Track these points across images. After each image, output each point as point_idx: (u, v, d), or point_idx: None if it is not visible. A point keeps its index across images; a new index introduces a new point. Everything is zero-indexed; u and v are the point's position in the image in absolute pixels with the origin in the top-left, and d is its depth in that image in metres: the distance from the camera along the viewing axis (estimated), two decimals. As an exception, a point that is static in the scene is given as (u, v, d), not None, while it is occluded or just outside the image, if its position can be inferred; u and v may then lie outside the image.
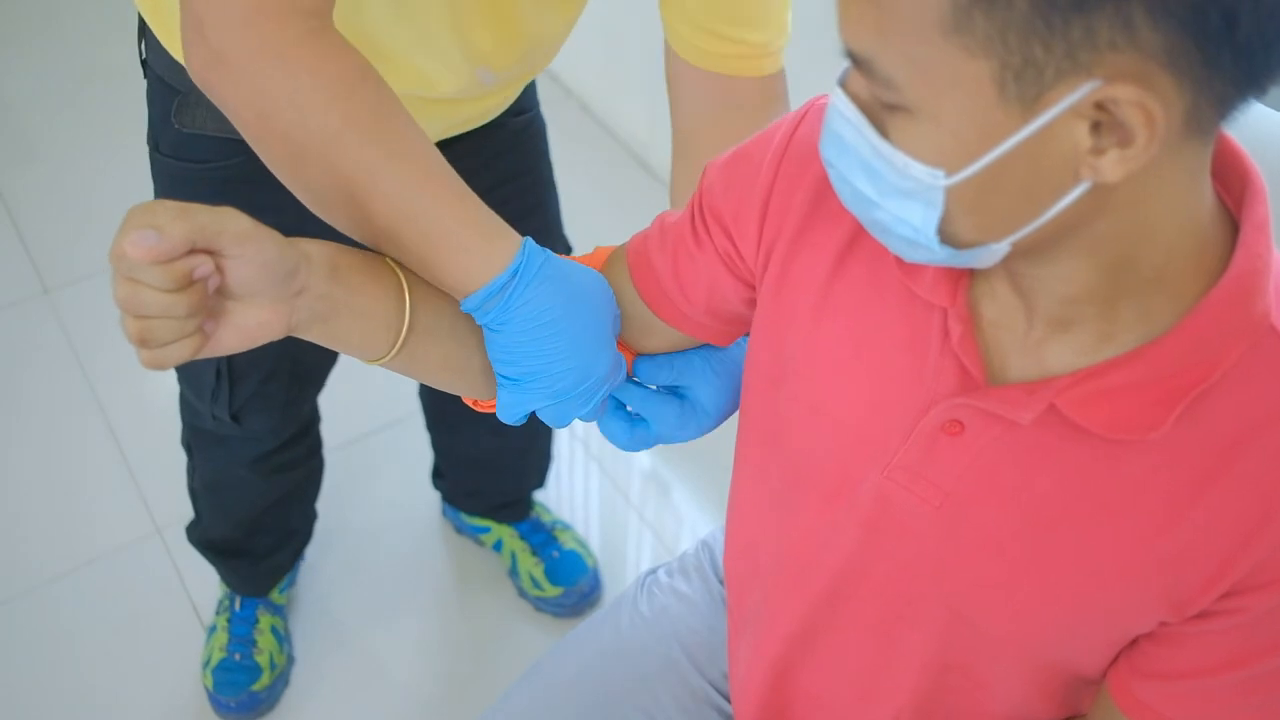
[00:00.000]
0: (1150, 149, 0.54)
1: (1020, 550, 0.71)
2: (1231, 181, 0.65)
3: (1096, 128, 0.55)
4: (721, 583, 1.07)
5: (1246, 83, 0.54)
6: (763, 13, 1.01)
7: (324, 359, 1.41)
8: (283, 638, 1.70)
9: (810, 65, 1.16)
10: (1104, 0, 0.50)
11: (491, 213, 0.82)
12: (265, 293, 0.69)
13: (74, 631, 1.71)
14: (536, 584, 1.76)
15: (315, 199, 0.80)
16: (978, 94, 0.55)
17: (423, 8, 0.95)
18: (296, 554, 1.70)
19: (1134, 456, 0.66)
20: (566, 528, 1.82)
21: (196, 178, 1.14)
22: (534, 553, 1.77)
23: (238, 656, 1.64)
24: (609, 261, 0.91)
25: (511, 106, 1.22)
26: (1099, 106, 0.54)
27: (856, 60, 0.59)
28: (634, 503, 1.87)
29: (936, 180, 0.59)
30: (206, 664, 1.66)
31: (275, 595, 1.71)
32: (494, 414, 0.89)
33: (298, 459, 1.53)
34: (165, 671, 1.68)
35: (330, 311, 0.75)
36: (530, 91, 1.29)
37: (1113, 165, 0.55)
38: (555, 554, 1.76)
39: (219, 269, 0.66)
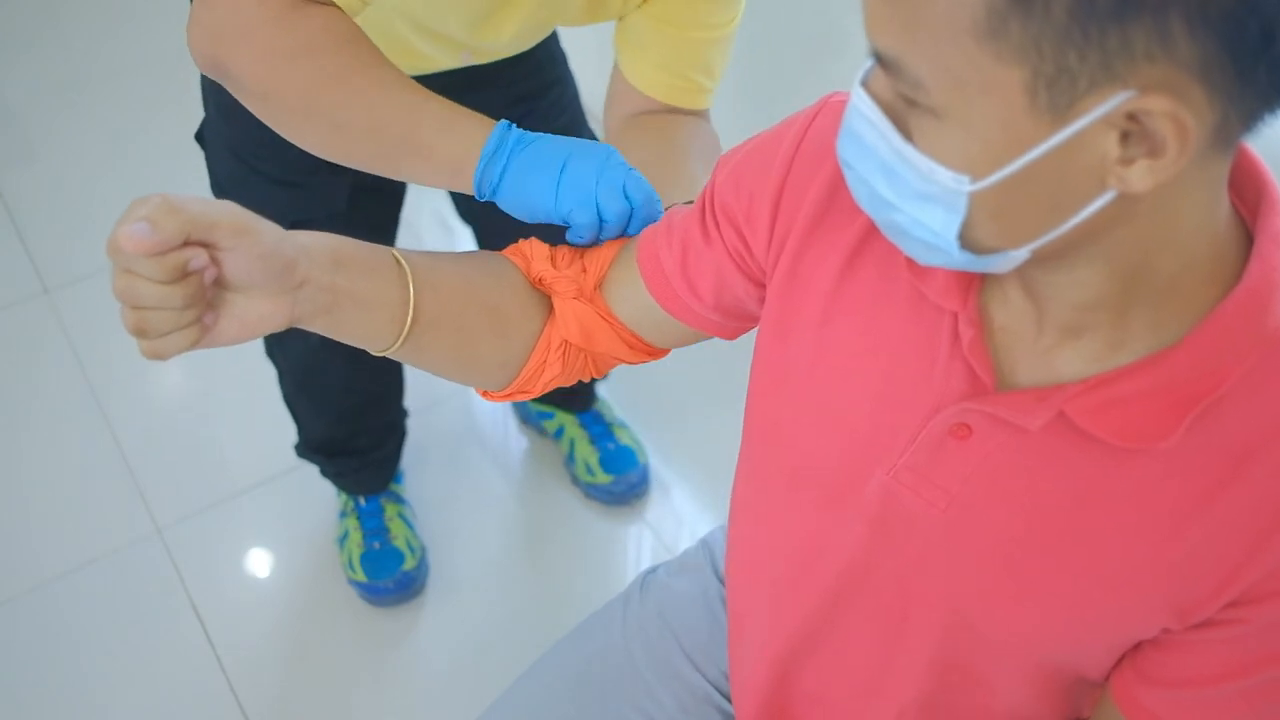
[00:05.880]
0: (1181, 161, 0.54)
1: (1024, 555, 0.71)
2: (1247, 191, 0.65)
3: (1125, 138, 0.54)
4: (721, 582, 1.07)
5: (1277, 96, 0.54)
6: (716, 62, 1.11)
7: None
8: (411, 524, 1.78)
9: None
10: (1143, 10, 0.50)
11: (473, 114, 0.93)
12: (264, 285, 0.70)
13: (74, 631, 1.71)
14: (590, 470, 1.84)
15: (331, 131, 0.92)
16: (1008, 101, 0.54)
17: (439, 21, 1.08)
18: (398, 447, 1.76)
19: (1141, 464, 0.65)
20: (624, 426, 1.90)
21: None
22: (591, 442, 1.86)
23: (377, 545, 1.74)
24: (619, 256, 0.91)
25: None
26: (1130, 117, 0.53)
27: (884, 60, 0.58)
28: (634, 502, 1.87)
29: (961, 186, 0.58)
30: (350, 564, 1.74)
31: (393, 487, 1.80)
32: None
33: None
34: (165, 671, 1.67)
35: (333, 303, 0.76)
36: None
37: (1141, 175, 0.55)
38: (611, 445, 1.86)
39: (215, 261, 0.67)
